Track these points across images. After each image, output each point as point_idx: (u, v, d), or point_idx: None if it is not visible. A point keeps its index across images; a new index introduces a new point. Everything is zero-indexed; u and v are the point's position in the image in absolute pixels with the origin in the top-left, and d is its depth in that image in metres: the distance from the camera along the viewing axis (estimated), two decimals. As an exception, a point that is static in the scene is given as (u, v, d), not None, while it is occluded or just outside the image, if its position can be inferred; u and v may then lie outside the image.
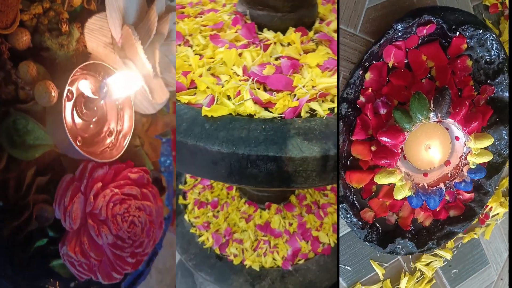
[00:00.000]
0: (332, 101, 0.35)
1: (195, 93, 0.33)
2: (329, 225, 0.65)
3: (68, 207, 0.32)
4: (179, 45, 0.39)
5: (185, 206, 0.66)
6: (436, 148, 0.49)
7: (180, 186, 0.70)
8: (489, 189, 0.54)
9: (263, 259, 0.58)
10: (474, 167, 0.49)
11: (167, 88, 0.38)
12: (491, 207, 0.61)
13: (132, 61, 0.35)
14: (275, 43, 0.38)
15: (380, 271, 0.54)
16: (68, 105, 0.32)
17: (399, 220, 0.54)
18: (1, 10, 0.28)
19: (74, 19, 0.33)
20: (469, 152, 0.49)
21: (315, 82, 0.34)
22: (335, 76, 0.37)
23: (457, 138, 0.50)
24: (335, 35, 0.43)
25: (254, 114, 0.31)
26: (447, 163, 0.51)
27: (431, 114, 0.44)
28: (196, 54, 0.36)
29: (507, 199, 0.61)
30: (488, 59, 0.50)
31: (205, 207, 0.65)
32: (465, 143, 0.49)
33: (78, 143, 0.32)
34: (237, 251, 0.58)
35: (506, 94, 0.51)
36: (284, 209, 0.64)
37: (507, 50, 0.55)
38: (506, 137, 0.52)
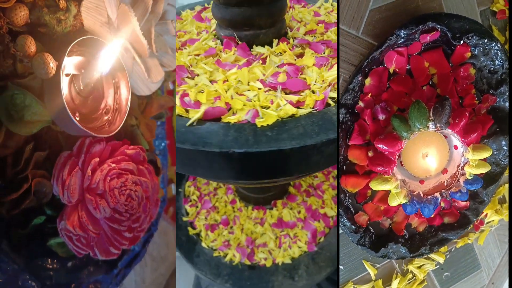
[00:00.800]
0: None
1: (235, 112, 0.35)
2: (329, 200, 0.72)
3: (66, 181, 0.32)
4: (186, 77, 0.42)
5: (198, 235, 0.68)
6: (434, 156, 0.49)
7: (184, 219, 0.71)
8: (485, 198, 0.54)
9: (290, 251, 0.63)
10: (471, 178, 0.50)
11: (163, 68, 0.39)
12: (487, 213, 0.62)
13: (128, 40, 0.36)
14: (269, 55, 0.42)
15: (372, 271, 0.55)
16: (66, 80, 0.33)
17: (393, 225, 0.54)
18: None
19: None
20: (466, 162, 0.49)
21: (322, 76, 0.40)
22: (334, 68, 0.42)
23: (456, 147, 0.50)
24: (309, 37, 0.48)
25: (294, 114, 0.35)
26: (444, 171, 0.51)
27: (430, 124, 0.45)
28: (210, 81, 0.39)
29: (503, 206, 0.62)
30: (492, 69, 0.50)
31: (218, 228, 0.67)
32: (463, 154, 0.49)
33: (76, 118, 0.33)
34: (265, 255, 0.62)
35: (508, 104, 0.51)
36: (288, 201, 0.70)
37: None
38: (505, 148, 0.52)
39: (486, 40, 0.47)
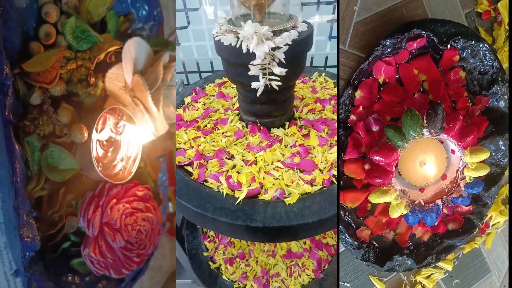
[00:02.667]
0: None
1: (267, 191, 0.48)
2: (330, 231, 0.79)
3: (91, 219, 0.42)
4: (225, 158, 0.55)
5: (218, 268, 0.78)
6: (431, 163, 0.48)
7: (205, 254, 0.81)
8: (488, 201, 0.53)
9: (300, 279, 0.73)
10: (471, 181, 0.49)
11: (167, 121, 0.49)
12: (491, 216, 0.60)
13: (140, 101, 0.46)
14: (284, 137, 0.56)
15: (380, 287, 0.56)
16: (93, 137, 0.44)
17: (396, 237, 0.53)
18: (48, 70, 0.40)
19: (99, 70, 0.46)
20: (465, 166, 0.48)
21: (326, 157, 0.52)
22: (334, 149, 0.53)
23: (453, 151, 0.49)
24: (310, 115, 0.62)
25: (309, 191, 0.47)
26: (444, 177, 0.50)
27: (425, 131, 0.44)
28: (241, 160, 0.53)
29: (507, 207, 0.60)
30: (482, 70, 0.49)
31: (235, 262, 0.77)
32: (461, 158, 0.48)
33: (99, 168, 0.43)
34: (279, 283, 0.73)
35: (502, 103, 0.50)
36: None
37: (504, 57, 0.56)
38: (503, 148, 0.51)
39: (473, 42, 0.47)
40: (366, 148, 0.47)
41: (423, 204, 0.49)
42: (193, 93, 0.73)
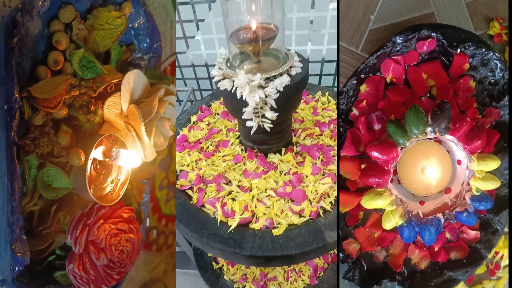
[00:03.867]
0: (329, 195, 0.55)
1: (257, 220, 0.52)
2: None
3: (79, 237, 0.46)
4: (223, 183, 0.60)
5: (220, 269, 0.85)
6: (434, 170, 0.44)
7: (209, 254, 0.86)
8: (498, 227, 0.47)
9: (296, 284, 0.79)
10: (478, 194, 0.44)
11: (156, 149, 0.54)
12: (502, 255, 0.53)
13: (134, 128, 0.51)
14: (279, 164, 0.60)
15: None
16: (89, 162, 0.49)
17: (388, 258, 0.48)
18: (54, 97, 0.44)
19: (99, 98, 0.50)
20: (472, 176, 0.44)
21: (316, 188, 0.55)
22: (327, 179, 0.56)
23: (459, 162, 0.46)
24: (307, 141, 0.65)
25: (298, 223, 0.51)
26: (448, 190, 0.46)
27: (428, 129, 0.41)
28: (237, 186, 0.57)
29: None
30: (493, 80, 0.47)
31: (237, 264, 0.81)
32: (467, 166, 0.44)
33: (91, 190, 0.48)
34: (275, 287, 0.79)
35: None
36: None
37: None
38: None
39: (483, 50, 0.46)
40: (365, 147, 0.44)
41: (421, 215, 0.44)
42: (199, 111, 0.79)
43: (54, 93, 0.43)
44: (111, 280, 0.47)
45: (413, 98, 0.47)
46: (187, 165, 0.64)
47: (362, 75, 0.47)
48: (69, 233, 0.46)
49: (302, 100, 0.76)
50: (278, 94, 0.47)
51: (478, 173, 0.43)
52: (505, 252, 0.54)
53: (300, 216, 0.52)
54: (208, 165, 0.62)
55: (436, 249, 0.46)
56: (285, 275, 0.79)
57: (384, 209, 0.44)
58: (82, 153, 0.44)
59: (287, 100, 0.50)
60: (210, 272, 0.83)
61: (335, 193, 0.53)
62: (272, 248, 0.48)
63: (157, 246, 0.71)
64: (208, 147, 0.67)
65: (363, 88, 0.47)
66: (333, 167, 0.57)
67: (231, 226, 0.51)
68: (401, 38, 0.46)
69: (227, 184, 0.58)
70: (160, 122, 0.53)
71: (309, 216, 0.52)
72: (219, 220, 0.53)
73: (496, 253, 0.55)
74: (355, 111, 0.47)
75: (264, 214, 0.52)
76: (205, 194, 0.57)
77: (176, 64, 1.07)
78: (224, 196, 0.56)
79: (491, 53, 0.46)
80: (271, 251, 0.48)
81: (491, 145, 0.45)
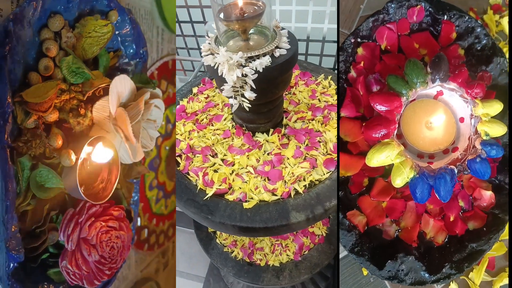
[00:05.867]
0: (305, 179, 0.57)
1: (233, 192, 0.57)
2: (319, 222, 0.86)
3: (71, 235, 0.49)
4: (209, 155, 0.64)
5: (214, 232, 0.93)
6: (439, 124, 0.43)
7: None
8: None
9: (280, 257, 0.85)
10: (488, 138, 0.42)
11: (143, 150, 0.57)
12: None
13: (121, 129, 0.54)
14: (264, 143, 0.64)
15: None
16: (79, 162, 0.51)
17: (400, 233, 0.44)
18: (45, 101, 0.47)
19: (88, 102, 0.53)
20: (478, 121, 0.43)
21: (293, 170, 0.58)
22: (305, 163, 0.58)
23: (462, 120, 0.45)
24: (297, 124, 0.66)
25: (268, 200, 0.55)
26: (454, 149, 0.45)
27: (429, 78, 0.42)
28: (222, 160, 0.62)
29: None
30: (479, 47, 0.50)
31: None
32: (473, 115, 0.43)
33: (81, 189, 0.51)
34: (261, 256, 0.86)
35: (506, 81, 0.48)
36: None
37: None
38: None
39: (467, 18, 0.49)
40: (365, 108, 0.44)
41: (432, 167, 0.41)
42: (201, 84, 0.83)
43: (45, 98, 0.46)
44: (103, 275, 0.50)
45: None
46: (181, 135, 0.70)
47: (359, 39, 0.49)
48: (61, 231, 0.49)
49: (303, 82, 0.78)
50: (256, 75, 0.48)
51: (484, 116, 0.42)
52: None
53: (273, 194, 0.55)
54: (199, 136, 0.67)
55: (451, 218, 0.43)
56: (271, 247, 0.86)
57: (390, 173, 0.41)
58: (73, 153, 0.47)
59: (270, 82, 0.51)
60: (204, 233, 0.91)
61: (311, 178, 0.56)
62: (240, 219, 0.52)
63: (149, 245, 0.75)
64: (202, 120, 0.72)
65: (360, 51, 0.49)
66: (315, 152, 0.60)
67: (207, 194, 0.56)
68: (393, 5, 0.49)
69: (213, 156, 0.63)
70: (147, 123, 0.57)
71: (281, 196, 0.55)
72: (198, 188, 0.58)
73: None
74: (353, 73, 0.48)
75: (240, 188, 0.57)
76: (191, 163, 0.62)
77: (193, 34, 1.19)
78: (207, 167, 0.61)
79: (474, 22, 0.49)
80: (238, 221, 0.52)
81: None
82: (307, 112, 0.69)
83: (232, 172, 0.60)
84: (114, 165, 0.55)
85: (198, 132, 0.69)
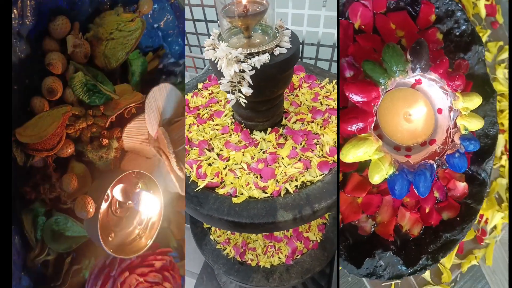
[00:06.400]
0: (297, 179, 0.48)
1: (224, 186, 0.48)
2: (315, 227, 0.76)
3: (100, 294, 0.30)
4: (206, 149, 0.53)
5: (209, 228, 0.80)
6: (418, 116, 0.35)
7: None
8: (485, 178, 0.40)
9: (271, 259, 0.71)
10: (466, 133, 0.36)
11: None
12: (487, 218, 0.46)
13: (167, 155, 0.32)
14: (261, 141, 0.54)
15: None
16: (104, 205, 0.30)
17: (377, 228, 0.37)
18: (49, 138, 0.26)
19: (114, 125, 0.31)
20: (458, 115, 0.36)
21: (286, 170, 0.49)
22: (299, 164, 0.48)
23: (440, 111, 0.37)
24: (296, 125, 0.55)
25: (257, 197, 0.48)
26: (432, 141, 0.37)
27: (409, 67, 0.32)
28: (217, 154, 0.53)
29: (503, 206, 0.47)
30: (458, 32, 0.41)
31: None
32: (452, 107, 0.36)
33: (110, 239, 0.30)
34: (252, 257, 0.72)
35: (483, 70, 0.41)
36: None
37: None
38: (490, 113, 0.41)
39: (447, 0, 0.40)
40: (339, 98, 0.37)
41: (411, 163, 0.35)
42: (207, 80, 0.73)
43: (45, 135, 0.25)
44: None
45: (384, 45, 0.39)
46: None
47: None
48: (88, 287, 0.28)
49: (307, 85, 0.68)
50: (253, 71, 0.41)
51: (464, 110, 0.36)
52: (489, 215, 0.46)
53: (263, 192, 0.48)
54: (198, 130, 0.57)
55: (427, 210, 0.38)
56: (264, 249, 0.74)
57: (366, 169, 0.34)
58: (91, 202, 0.28)
59: (268, 79, 0.44)
60: (200, 229, 0.79)
61: (303, 178, 0.48)
62: (227, 213, 0.45)
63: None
64: (204, 115, 0.62)
65: None
66: (311, 154, 0.51)
67: (199, 186, 0.49)
68: None
69: (209, 150, 0.54)
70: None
71: (271, 194, 0.47)
72: (191, 179, 0.49)
73: (481, 216, 0.47)
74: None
75: (231, 183, 0.49)
76: (188, 155, 0.53)
77: (206, 32, 0.99)
78: (202, 160, 0.52)
79: (454, 4, 0.41)
80: (225, 215, 0.44)
81: (468, 91, 0.39)
82: (307, 114, 0.59)
83: (226, 167, 0.52)
84: (155, 203, 0.34)
85: (198, 126, 0.59)
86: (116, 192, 0.34)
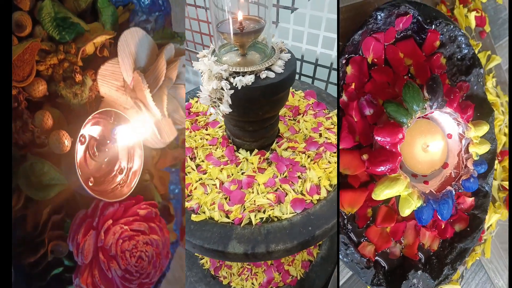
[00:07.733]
0: (264, 212, 0.45)
1: (190, 200, 0.46)
2: (299, 261, 0.72)
3: (81, 244, 0.31)
4: (188, 156, 0.53)
5: None
6: (436, 146, 0.38)
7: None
8: (487, 189, 0.46)
9: (244, 283, 0.67)
10: (478, 158, 0.40)
11: (175, 126, 0.34)
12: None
13: (142, 103, 0.31)
14: (243, 161, 0.52)
15: None
16: (81, 148, 0.29)
17: (404, 250, 0.41)
18: (17, 65, 0.26)
19: (88, 66, 0.30)
20: (469, 143, 0.39)
21: (256, 198, 0.45)
22: (272, 195, 0.46)
23: (449, 136, 0.41)
24: (286, 153, 0.53)
25: (216, 220, 0.45)
26: (445, 165, 0.40)
27: (427, 104, 0.35)
28: (196, 165, 0.51)
29: (496, 205, 0.53)
30: (459, 56, 0.45)
31: None
32: (463, 135, 0.39)
33: (90, 184, 0.29)
34: (226, 275, 0.69)
35: (481, 90, 0.46)
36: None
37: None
38: (490, 131, 0.46)
39: (452, 26, 0.43)
40: (360, 136, 0.37)
41: (434, 192, 0.38)
42: None
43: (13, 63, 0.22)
44: (132, 292, 0.29)
45: (397, 78, 0.42)
46: None
47: (347, 55, 0.40)
48: (69, 240, 0.31)
49: (313, 112, 0.63)
50: (232, 91, 0.39)
51: (475, 139, 0.40)
52: (487, 217, 0.51)
53: (226, 216, 0.45)
54: (189, 136, 0.56)
55: (443, 226, 0.42)
56: (240, 270, 0.70)
57: (391, 198, 0.37)
58: (66, 135, 0.25)
59: (251, 102, 0.42)
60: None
61: (271, 212, 0.44)
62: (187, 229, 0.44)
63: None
64: (200, 122, 0.61)
65: (349, 69, 0.40)
66: (288, 187, 0.47)
67: None
68: (382, 14, 0.40)
69: (191, 159, 0.53)
70: (175, 90, 0.34)
71: (232, 220, 0.44)
72: None
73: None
74: (344, 97, 0.39)
75: (198, 198, 0.46)
76: None
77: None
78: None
79: (457, 30, 0.44)
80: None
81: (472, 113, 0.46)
82: (300, 144, 0.55)
83: (200, 179, 0.49)
84: (137, 148, 0.33)
85: (190, 132, 0.58)
86: (92, 130, 0.32)
